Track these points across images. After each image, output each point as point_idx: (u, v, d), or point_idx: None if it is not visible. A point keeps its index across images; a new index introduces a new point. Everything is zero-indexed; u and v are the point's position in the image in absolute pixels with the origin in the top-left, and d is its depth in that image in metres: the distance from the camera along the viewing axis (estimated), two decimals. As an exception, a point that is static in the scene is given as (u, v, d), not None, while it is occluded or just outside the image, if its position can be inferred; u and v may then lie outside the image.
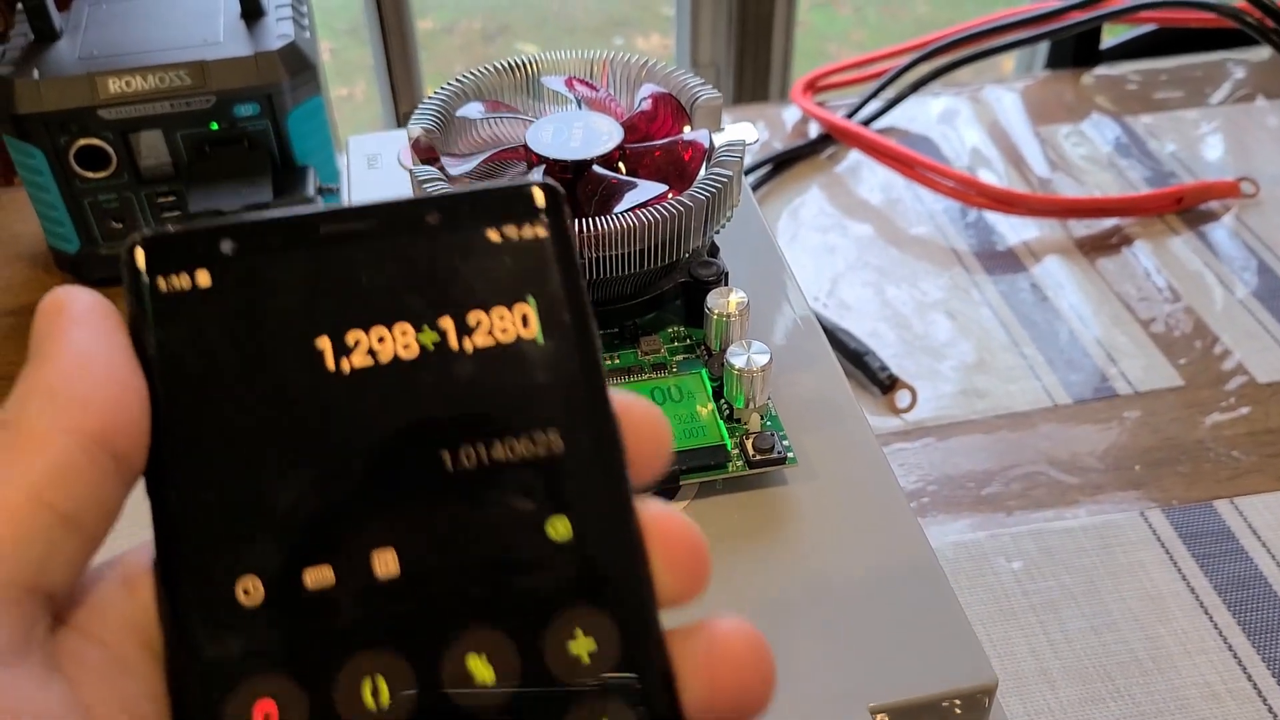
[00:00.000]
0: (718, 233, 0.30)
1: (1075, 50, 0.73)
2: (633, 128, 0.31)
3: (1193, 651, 0.41)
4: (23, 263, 0.60)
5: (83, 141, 0.53)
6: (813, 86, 0.68)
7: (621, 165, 0.30)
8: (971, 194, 0.60)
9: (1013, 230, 0.60)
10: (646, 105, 0.31)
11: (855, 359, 0.52)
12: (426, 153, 0.30)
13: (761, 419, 0.28)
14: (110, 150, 0.53)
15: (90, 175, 0.54)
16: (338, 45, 1.80)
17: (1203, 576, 0.44)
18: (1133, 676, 0.41)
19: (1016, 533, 0.45)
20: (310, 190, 0.54)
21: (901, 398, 0.51)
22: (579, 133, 0.30)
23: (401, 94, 1.13)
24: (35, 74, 0.52)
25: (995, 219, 0.61)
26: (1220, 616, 0.42)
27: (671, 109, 0.32)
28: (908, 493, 0.47)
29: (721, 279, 0.30)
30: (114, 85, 0.52)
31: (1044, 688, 0.41)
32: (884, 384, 0.51)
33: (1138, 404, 0.51)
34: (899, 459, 0.48)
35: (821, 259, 0.59)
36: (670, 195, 0.28)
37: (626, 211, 0.27)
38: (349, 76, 1.77)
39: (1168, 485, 0.47)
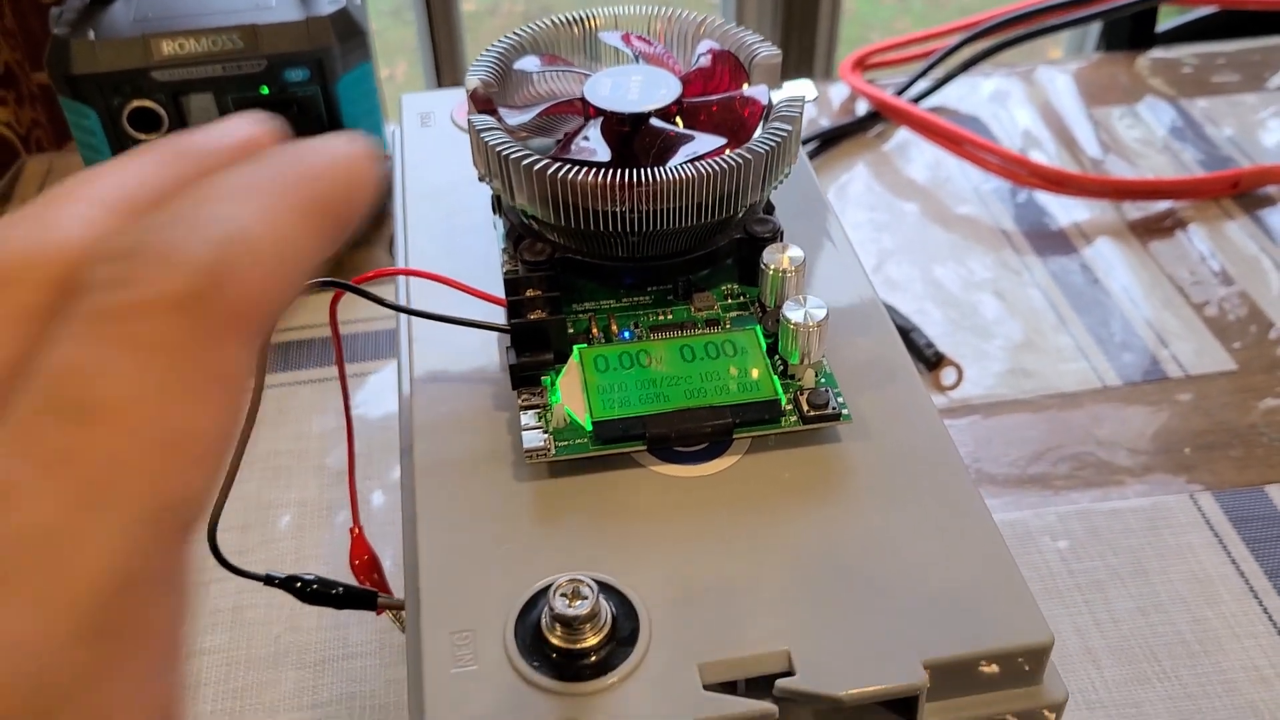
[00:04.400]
0: (775, 188, 0.29)
1: (1131, 32, 0.72)
2: (690, 84, 0.31)
3: (1241, 635, 0.41)
4: (73, 224, 0.61)
5: (135, 103, 0.53)
6: (861, 64, 0.68)
7: (679, 120, 0.30)
8: (1021, 173, 0.59)
9: (1064, 211, 0.59)
10: (705, 62, 0.31)
11: (901, 335, 0.51)
12: (484, 104, 0.30)
13: (816, 375, 0.28)
14: (162, 112, 0.54)
15: (142, 137, 0.54)
16: (381, 25, 1.81)
17: (1253, 560, 0.43)
18: (1179, 658, 0.40)
19: (1063, 512, 0.45)
20: (358, 156, 0.54)
21: (947, 375, 0.50)
22: (636, 86, 0.30)
23: (444, 75, 1.13)
24: (90, 35, 0.52)
25: (1045, 199, 0.60)
26: (1270, 601, 0.42)
27: (730, 66, 0.32)
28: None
29: (778, 236, 0.30)
30: (167, 47, 0.52)
31: (1089, 667, 0.40)
32: (930, 361, 0.50)
33: (1189, 387, 0.50)
34: (944, 436, 0.48)
35: (868, 236, 0.58)
36: (728, 149, 0.28)
37: (683, 164, 0.27)
38: (391, 57, 1.78)
39: (1219, 469, 0.46)
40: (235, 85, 0.54)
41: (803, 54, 1.10)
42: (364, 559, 0.32)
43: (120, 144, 0.54)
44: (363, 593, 0.29)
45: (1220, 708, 0.39)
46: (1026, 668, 0.23)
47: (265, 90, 0.54)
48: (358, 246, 0.57)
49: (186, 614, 0.13)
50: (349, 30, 0.54)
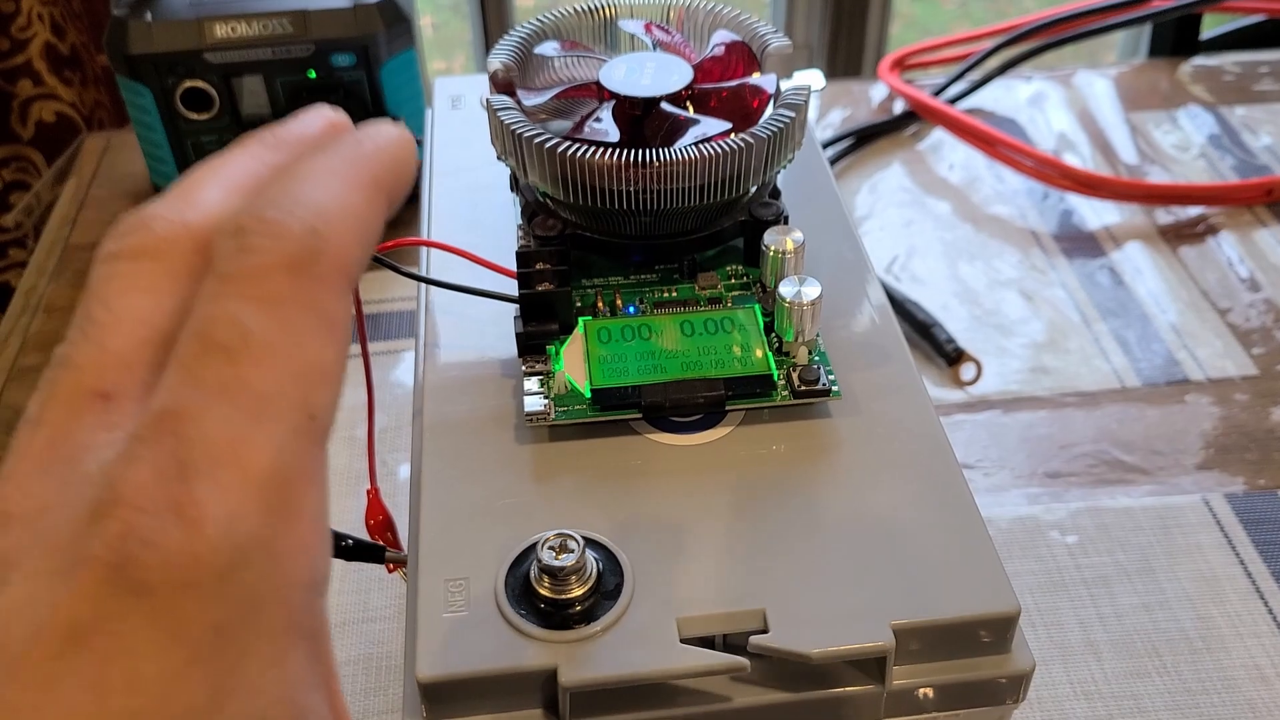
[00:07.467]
0: (779, 172, 0.30)
1: (1174, 39, 0.72)
2: (705, 72, 0.32)
3: (1244, 634, 0.41)
4: (129, 200, 0.63)
5: (189, 83, 0.55)
6: (900, 64, 0.68)
7: (689, 105, 0.31)
8: (1054, 175, 0.60)
9: (1094, 214, 0.60)
10: (719, 51, 0.32)
11: (922, 330, 0.52)
12: (504, 86, 0.31)
13: (809, 353, 0.29)
14: (214, 93, 0.56)
15: (194, 116, 0.56)
16: (439, 19, 1.84)
17: (1261, 562, 0.43)
18: (1181, 654, 0.40)
19: (1074, 508, 0.45)
20: (400, 140, 0.56)
21: (966, 370, 0.51)
22: (650, 72, 0.31)
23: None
24: (148, 16, 0.55)
25: (1077, 203, 0.60)
26: (1276, 602, 0.42)
27: (743, 57, 0.33)
28: (967, 464, 0.47)
29: (781, 219, 0.31)
30: (220, 30, 0.55)
31: (1090, 659, 0.41)
32: (950, 356, 0.51)
33: (1209, 390, 0.50)
34: (961, 430, 0.49)
35: (897, 233, 0.59)
36: (733, 133, 0.29)
37: (690, 145, 0.28)
38: (448, 51, 1.80)
39: (1234, 472, 0.46)
40: (284, 69, 0.56)
41: (851, 55, 1.10)
42: (379, 519, 0.33)
43: (173, 123, 0.56)
44: (371, 546, 0.30)
45: (1218, 704, 0.39)
46: (993, 636, 0.24)
47: (313, 75, 0.56)
48: (393, 225, 0.59)
49: (327, 503, 0.17)
50: (395, 17, 0.56)
